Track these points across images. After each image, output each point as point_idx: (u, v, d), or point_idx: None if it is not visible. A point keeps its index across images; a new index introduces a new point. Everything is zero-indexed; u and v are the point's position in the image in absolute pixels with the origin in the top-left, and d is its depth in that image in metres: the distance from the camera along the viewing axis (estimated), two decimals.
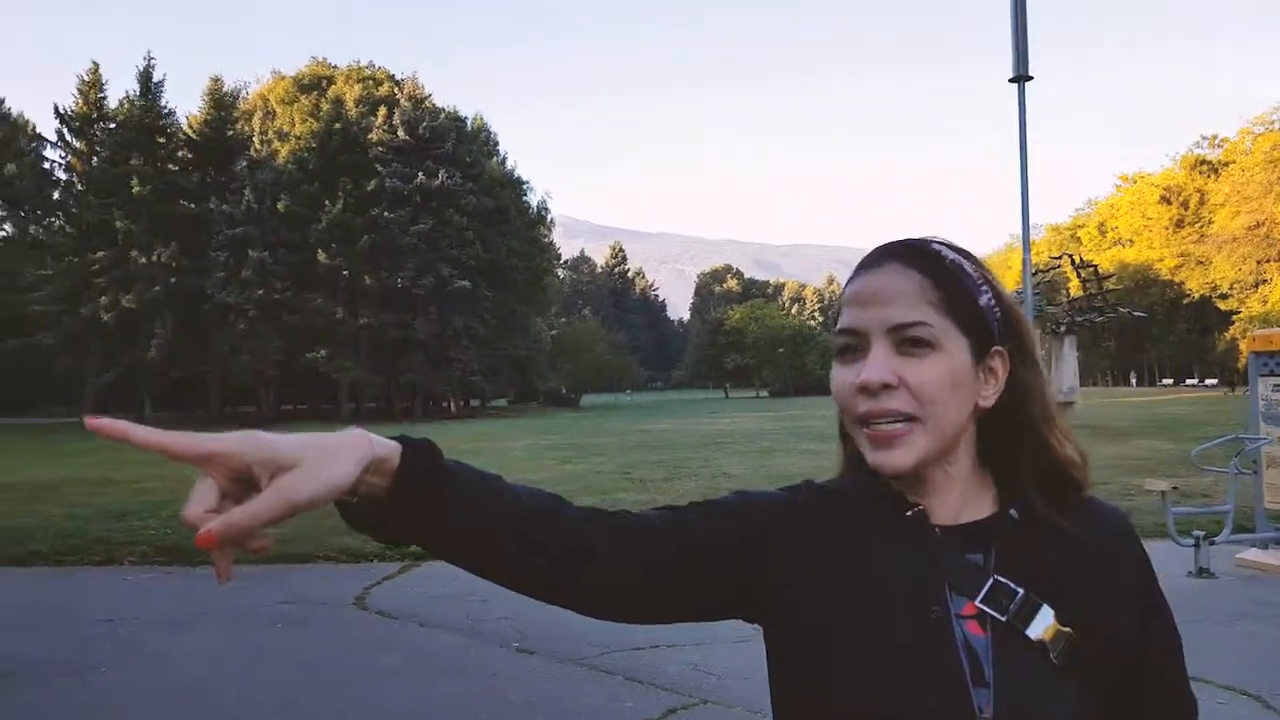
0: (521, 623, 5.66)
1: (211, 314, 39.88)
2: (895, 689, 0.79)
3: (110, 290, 38.65)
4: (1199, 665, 4.21)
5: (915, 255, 0.84)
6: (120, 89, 43.66)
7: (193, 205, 41.31)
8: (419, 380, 44.28)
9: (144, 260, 39.27)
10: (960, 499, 0.86)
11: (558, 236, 61.34)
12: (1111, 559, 0.87)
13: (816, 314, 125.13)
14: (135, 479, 14.21)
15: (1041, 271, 26.26)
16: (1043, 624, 0.81)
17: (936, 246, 0.85)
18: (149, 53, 42.79)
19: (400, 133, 43.85)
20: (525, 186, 52.67)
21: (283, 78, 48.63)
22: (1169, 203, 75.12)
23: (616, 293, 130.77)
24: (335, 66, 49.82)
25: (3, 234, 57.38)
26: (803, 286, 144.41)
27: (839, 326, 0.85)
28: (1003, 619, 0.81)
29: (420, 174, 42.84)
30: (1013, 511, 0.85)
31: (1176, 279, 69.75)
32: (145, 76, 41.99)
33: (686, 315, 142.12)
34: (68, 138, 42.54)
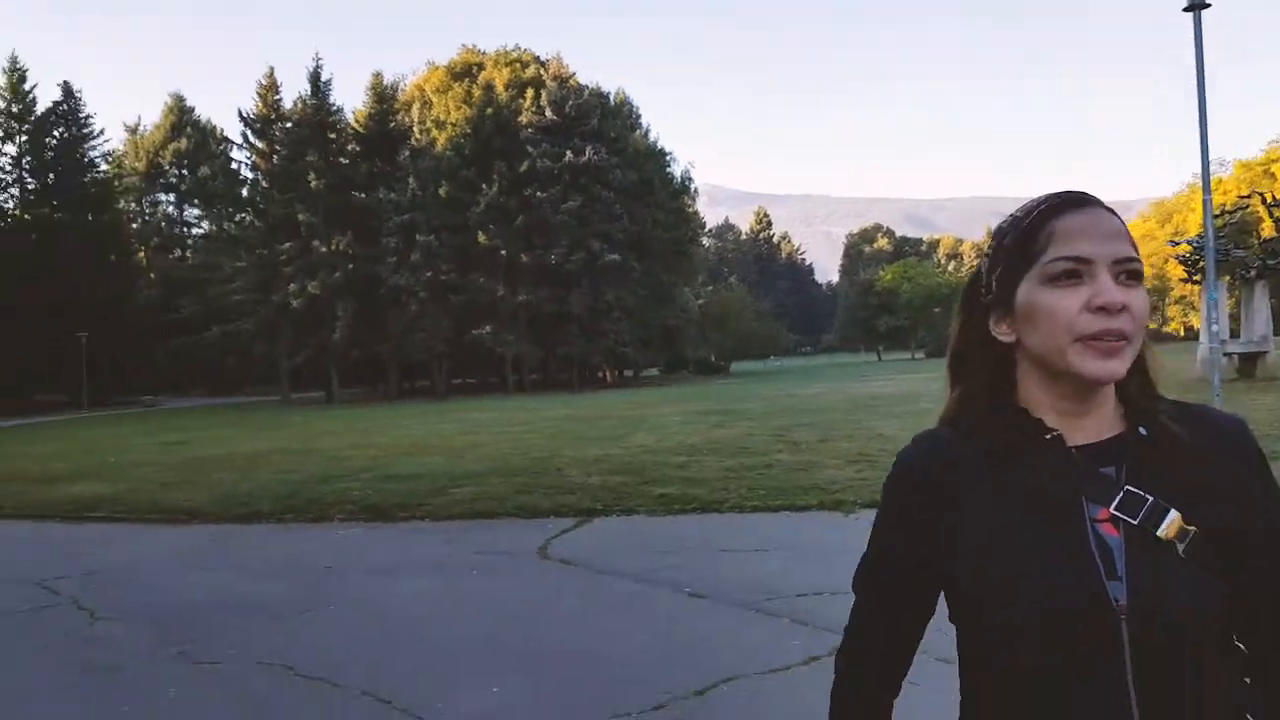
0: (693, 572, 6.02)
1: (386, 297, 42.52)
2: (1039, 589, 0.92)
3: (297, 278, 41.72)
4: None
5: (1106, 206, 0.99)
6: (293, 90, 46.85)
7: (363, 195, 43.96)
8: (574, 352, 45.76)
9: (324, 249, 42.16)
10: (1102, 419, 1.00)
11: (701, 205, 61.28)
12: (1229, 461, 0.99)
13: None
14: (333, 448, 15.72)
15: (1228, 213, 24.26)
16: (1170, 525, 0.93)
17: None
18: (317, 54, 45.73)
19: (548, 113, 45.00)
20: (668, 158, 52.98)
21: (436, 68, 50.73)
22: None
23: (762, 259, 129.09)
24: (484, 52, 51.49)
25: (201, 231, 63.28)
26: (959, 241, 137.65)
27: (1064, 253, 0.94)
28: (1134, 522, 0.93)
29: (568, 152, 43.90)
30: (1142, 429, 0.99)
31: None
32: (315, 77, 44.85)
33: (835, 278, 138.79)
34: (251, 139, 46.06)
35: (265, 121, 44.95)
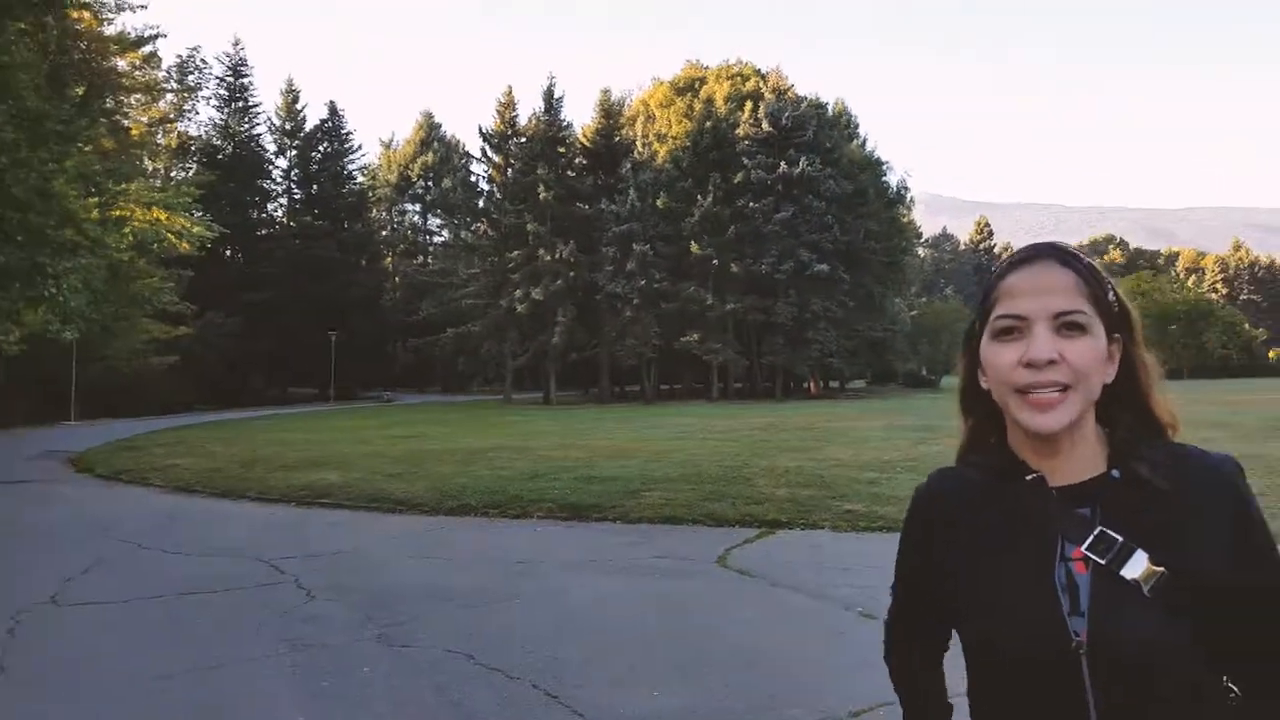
0: (869, 592, 5.88)
1: (602, 303, 44.27)
2: (1007, 620, 1.02)
3: (523, 285, 44.36)
4: None
5: (1067, 256, 1.05)
6: (529, 108, 49.93)
7: (586, 207, 46.10)
8: (779, 361, 45.56)
9: (549, 258, 44.53)
10: (1080, 460, 1.05)
11: (919, 214, 59.17)
12: (1204, 508, 1.02)
13: (1219, 285, 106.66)
14: (544, 448, 16.66)
15: None
16: (1138, 566, 0.98)
17: (1075, 251, 1.06)
18: (551, 73, 48.72)
19: (764, 125, 45.14)
20: (884, 167, 51.60)
21: (661, 83, 52.34)
22: None
23: (981, 269, 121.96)
24: (706, 67, 52.53)
25: (441, 239, 68.86)
26: (1201, 255, 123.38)
27: (1004, 311, 1.04)
28: (1102, 561, 0.99)
29: (782, 163, 43.82)
30: (1115, 473, 1.04)
31: None
32: (549, 94, 47.49)
33: None
34: (489, 154, 49.55)
35: (502, 137, 48.13)
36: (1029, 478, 1.06)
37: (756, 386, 48.69)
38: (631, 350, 44.20)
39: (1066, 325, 1.00)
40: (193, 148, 49.83)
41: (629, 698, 4.23)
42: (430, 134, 71.24)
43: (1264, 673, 1.03)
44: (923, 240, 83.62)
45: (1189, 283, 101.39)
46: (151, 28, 27.85)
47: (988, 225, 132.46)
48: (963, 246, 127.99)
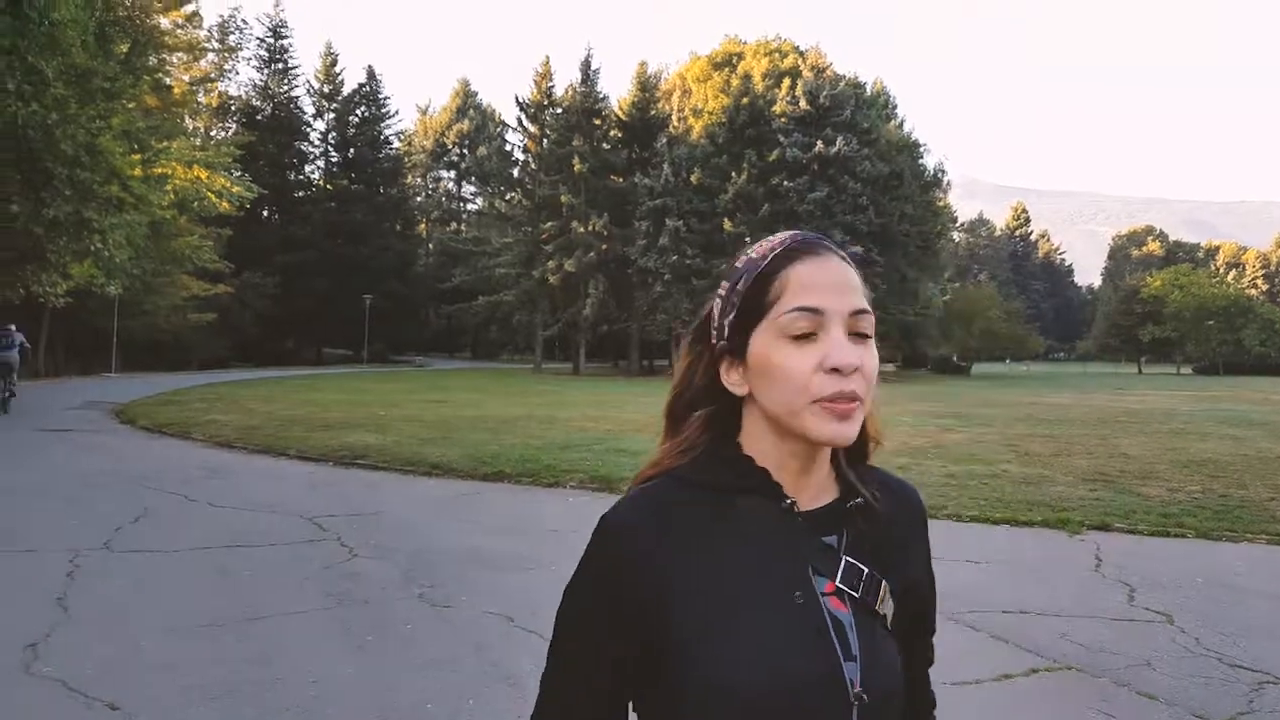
0: None
1: (634, 277, 44.27)
2: (770, 676, 0.84)
3: (556, 256, 44.48)
4: None
5: (845, 253, 0.94)
6: (565, 78, 49.83)
7: (620, 180, 46.00)
8: None
9: (582, 230, 44.57)
10: (820, 484, 0.94)
11: (955, 198, 58.39)
12: (911, 531, 1.00)
13: (1259, 281, 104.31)
14: (574, 419, 16.82)
15: None
16: (886, 598, 0.91)
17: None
18: (589, 44, 48.47)
19: (802, 103, 44.62)
20: (922, 149, 50.86)
21: (699, 58, 51.81)
22: None
23: (1017, 256, 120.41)
24: (745, 43, 51.91)
25: (475, 207, 69.13)
26: (1242, 249, 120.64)
27: (799, 304, 0.87)
28: (858, 596, 0.89)
29: (819, 142, 43.35)
30: (859, 499, 0.94)
31: None
32: (586, 66, 47.30)
33: (1097, 281, 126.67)
34: (524, 123, 49.57)
35: (538, 107, 48.08)
36: (785, 503, 0.91)
37: None
38: (661, 325, 44.23)
39: (858, 330, 0.89)
40: (232, 108, 50.28)
41: None
42: (466, 102, 71.31)
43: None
44: (958, 225, 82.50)
45: (1228, 277, 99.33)
46: None
47: (1025, 211, 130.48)
48: (999, 232, 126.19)
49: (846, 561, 0.90)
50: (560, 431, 14.20)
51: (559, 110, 47.29)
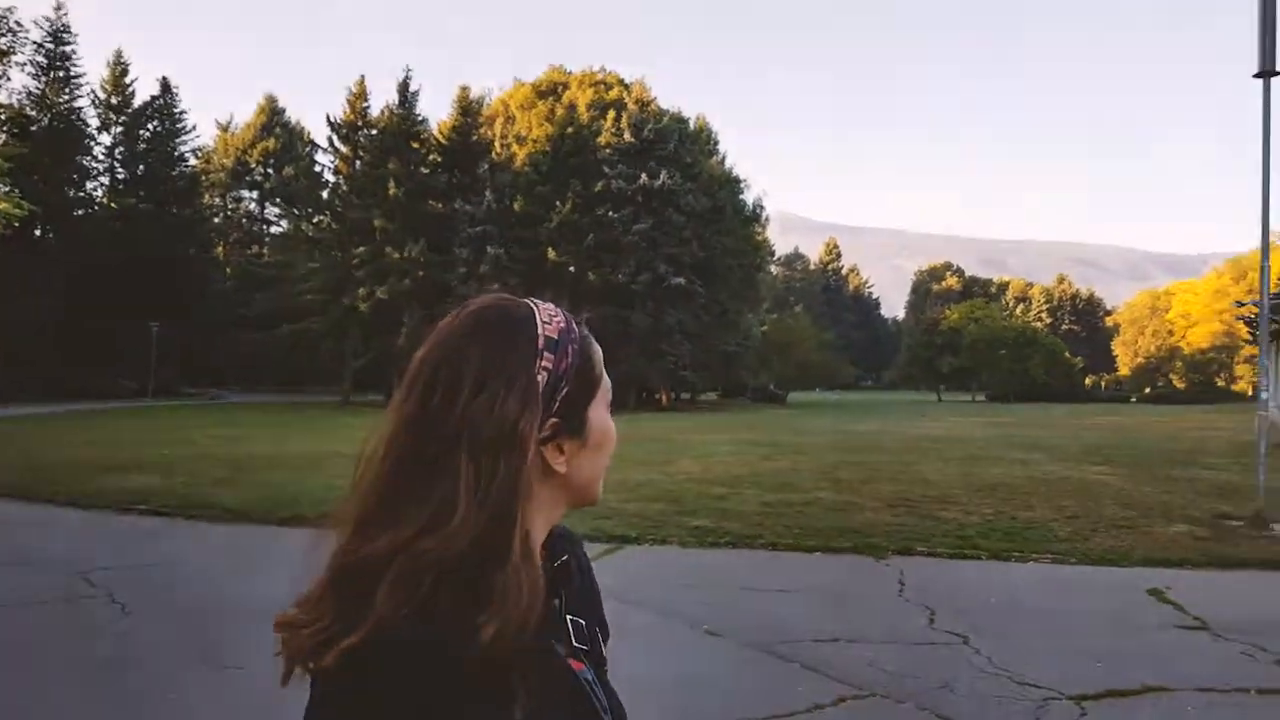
0: (714, 608, 6.02)
1: (453, 306, 42.73)
2: None
3: (367, 282, 42.85)
4: None
5: None
6: (382, 99, 48.36)
7: (439, 205, 45.00)
8: (633, 372, 45.99)
9: (396, 255, 43.18)
10: None
11: (774, 233, 61.30)
12: (589, 576, 0.99)
13: (1044, 315, 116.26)
14: None
15: None
16: (603, 644, 0.92)
17: None
18: (407, 66, 47.19)
19: (626, 135, 45.50)
20: (742, 184, 53.11)
21: (523, 84, 51.77)
22: None
23: (829, 289, 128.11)
24: (570, 72, 52.43)
25: (280, 229, 65.53)
26: (1029, 285, 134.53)
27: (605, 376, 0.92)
28: (588, 649, 0.88)
29: (643, 175, 44.31)
30: (565, 556, 0.92)
31: None
32: (403, 88, 46.08)
33: (902, 313, 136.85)
34: (336, 144, 47.58)
35: (352, 127, 46.36)
36: (556, 563, 0.90)
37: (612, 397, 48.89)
38: None
39: None
40: (2, 116, 45.24)
41: None
42: (272, 119, 67.69)
43: None
44: (776, 258, 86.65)
45: (1017, 311, 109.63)
46: None
47: (837, 246, 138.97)
48: (813, 266, 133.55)
49: (572, 621, 0.88)
50: None
51: (374, 131, 45.83)
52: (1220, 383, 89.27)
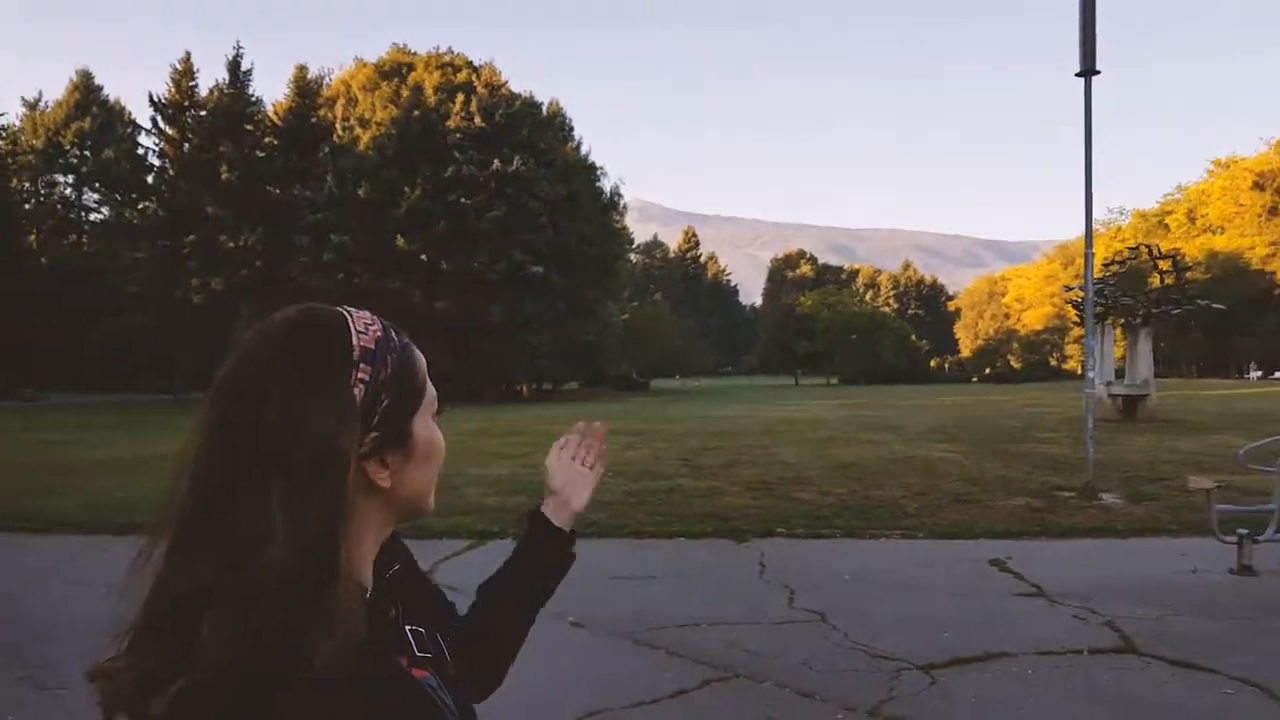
0: (579, 601, 5.96)
1: (295, 297, 40.95)
2: None
3: (200, 273, 40.30)
4: (1215, 657, 4.43)
5: None
6: (211, 78, 45.43)
7: (277, 191, 42.73)
8: (492, 363, 45.28)
9: (232, 244, 40.78)
10: None
11: (631, 221, 61.64)
12: (420, 575, 0.98)
13: (891, 300, 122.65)
14: None
15: (1118, 262, 25.55)
16: (444, 647, 0.91)
17: None
18: (238, 42, 44.33)
19: (477, 119, 44.57)
20: (599, 172, 53.09)
21: (365, 65, 49.75)
22: (1262, 189, 70.95)
23: (689, 277, 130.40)
24: (415, 53, 50.74)
25: (100, 217, 60.55)
26: (877, 272, 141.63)
27: (432, 389, 0.88)
28: (431, 657, 0.87)
29: (496, 160, 43.54)
30: (396, 567, 0.92)
31: (1269, 268, 66.15)
32: (234, 65, 43.41)
33: (759, 300, 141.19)
34: (161, 125, 44.32)
35: (178, 108, 43.37)
36: (391, 614, 0.86)
37: (467, 389, 48.01)
38: None
39: None
40: None
41: None
42: (88, 97, 62.18)
43: None
44: (635, 246, 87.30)
45: (867, 297, 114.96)
46: None
47: (695, 235, 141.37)
48: (672, 254, 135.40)
49: (412, 631, 0.87)
50: None
51: (203, 112, 42.97)
52: (1053, 362, 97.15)
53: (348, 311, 0.84)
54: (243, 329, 0.80)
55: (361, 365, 0.79)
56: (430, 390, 0.87)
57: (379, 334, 0.83)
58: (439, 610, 0.98)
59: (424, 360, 0.88)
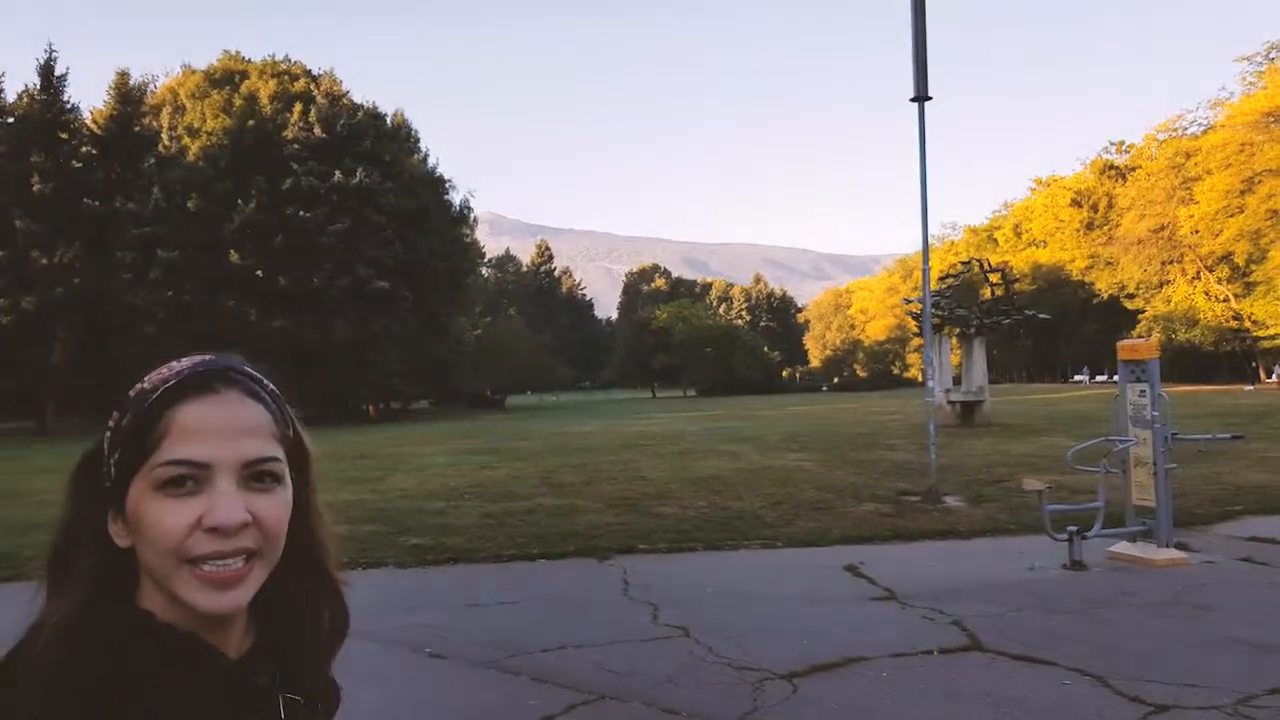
0: (437, 630, 5.77)
1: (118, 316, 38.35)
2: None
3: (9, 292, 36.78)
4: (1052, 649, 4.64)
5: (255, 384, 0.84)
6: (19, 83, 41.67)
7: (97, 203, 39.60)
8: (337, 384, 43.38)
9: (45, 261, 37.48)
10: (244, 621, 0.85)
11: (483, 234, 60.90)
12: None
13: (744, 313, 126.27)
14: (42, 490, 13.73)
15: (952, 275, 27.32)
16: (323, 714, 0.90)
17: (259, 375, 0.87)
18: (50, 45, 40.87)
19: (316, 130, 42.82)
20: (448, 185, 52.06)
21: (193, 71, 46.97)
22: (1080, 206, 77.92)
23: (543, 292, 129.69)
24: (249, 60, 48.36)
25: None
26: (730, 285, 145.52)
27: (176, 456, 0.76)
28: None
29: (337, 172, 41.95)
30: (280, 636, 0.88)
31: (1087, 279, 72.30)
32: (46, 70, 39.96)
33: (615, 314, 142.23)
34: None
35: None
36: (218, 663, 0.81)
37: (311, 412, 45.63)
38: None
39: (257, 475, 0.79)
40: None
41: None
42: None
43: None
44: (486, 260, 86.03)
45: (720, 310, 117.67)
46: None
47: (548, 248, 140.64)
48: (525, 268, 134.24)
49: (286, 699, 0.83)
50: (22, 509, 11.47)
51: (10, 119, 39.34)
52: (895, 370, 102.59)
53: (177, 361, 0.83)
54: (63, 350, 0.79)
55: (116, 411, 0.80)
56: (159, 461, 0.76)
57: (143, 387, 0.80)
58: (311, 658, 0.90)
59: (187, 420, 0.77)
